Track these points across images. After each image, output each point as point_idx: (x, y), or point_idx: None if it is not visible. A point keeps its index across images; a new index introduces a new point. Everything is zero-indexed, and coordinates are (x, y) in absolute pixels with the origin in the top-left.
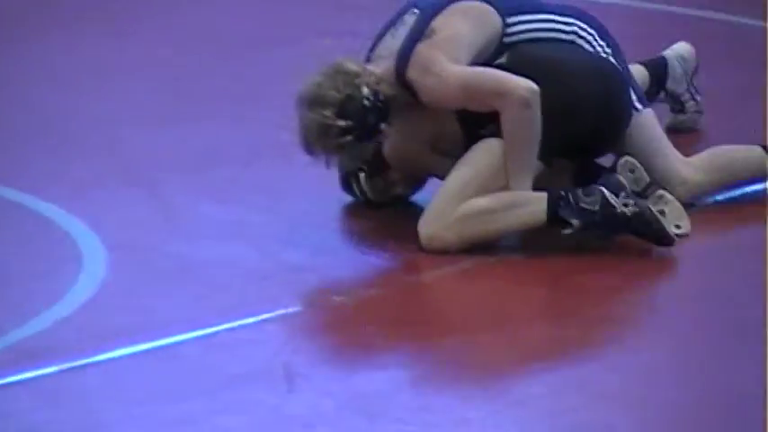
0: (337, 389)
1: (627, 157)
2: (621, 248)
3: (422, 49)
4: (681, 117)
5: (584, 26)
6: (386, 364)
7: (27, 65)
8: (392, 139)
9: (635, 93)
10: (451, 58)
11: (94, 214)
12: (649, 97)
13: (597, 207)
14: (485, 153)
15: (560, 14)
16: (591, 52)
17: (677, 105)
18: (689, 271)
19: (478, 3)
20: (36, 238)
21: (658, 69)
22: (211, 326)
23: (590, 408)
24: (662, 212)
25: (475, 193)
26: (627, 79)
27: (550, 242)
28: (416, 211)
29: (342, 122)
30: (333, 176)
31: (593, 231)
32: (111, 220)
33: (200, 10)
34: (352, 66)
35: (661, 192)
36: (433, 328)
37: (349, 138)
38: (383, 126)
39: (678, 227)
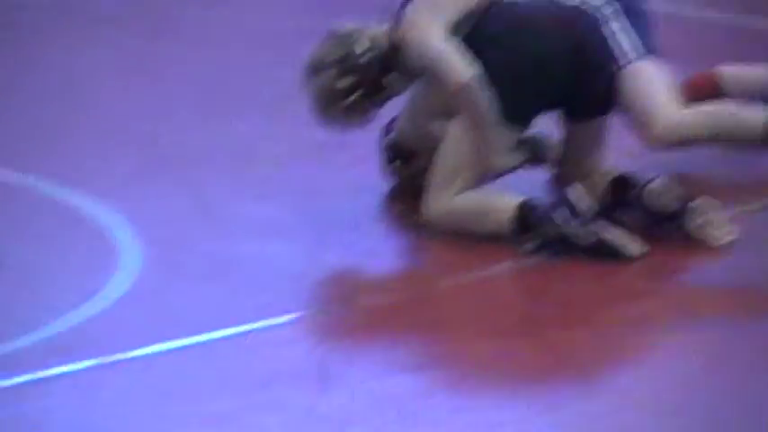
0: (371, 389)
1: (653, 181)
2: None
3: (408, 9)
4: None
5: None
6: (420, 366)
7: (70, 60)
8: (401, 122)
9: (628, 43)
10: (434, 17)
11: (132, 210)
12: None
13: (560, 221)
14: (462, 132)
15: None
16: (569, 7)
17: None
18: (722, 272)
19: None
20: (73, 232)
21: None
22: (246, 324)
23: (622, 413)
24: (706, 224)
25: (464, 172)
26: (610, 31)
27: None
28: None
29: (344, 81)
30: (370, 176)
31: (550, 247)
32: (148, 216)
33: (236, 7)
34: (346, 26)
35: (695, 203)
36: (467, 330)
37: (355, 96)
38: (387, 80)
39: (728, 233)
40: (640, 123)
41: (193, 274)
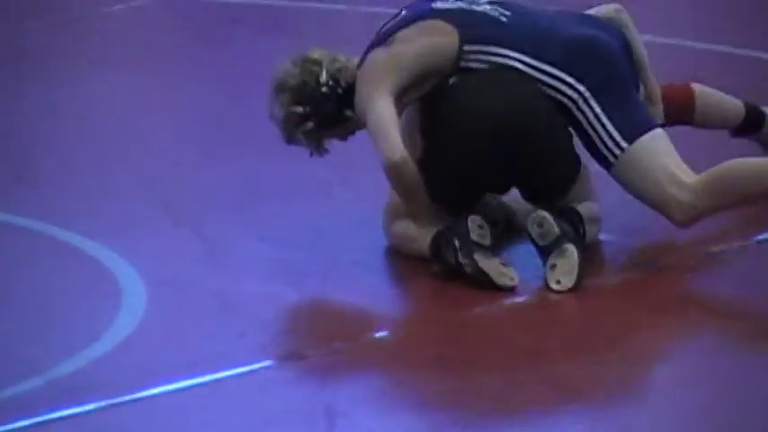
0: (376, 429)
1: (538, 212)
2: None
3: (373, 56)
4: None
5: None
6: (427, 405)
7: (72, 101)
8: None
9: (617, 133)
10: (388, 77)
11: (135, 251)
12: (738, 133)
13: (454, 249)
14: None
15: (517, 49)
16: (525, 92)
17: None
18: (726, 303)
19: (445, 25)
20: (76, 274)
21: (756, 118)
22: (252, 363)
23: None
24: (553, 266)
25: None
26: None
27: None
28: None
29: (299, 109)
30: (374, 212)
31: (450, 272)
32: (151, 256)
33: (237, 47)
34: (316, 53)
35: (566, 246)
36: (474, 366)
37: (310, 124)
38: (349, 113)
39: (558, 282)
40: (658, 210)
41: (198, 314)
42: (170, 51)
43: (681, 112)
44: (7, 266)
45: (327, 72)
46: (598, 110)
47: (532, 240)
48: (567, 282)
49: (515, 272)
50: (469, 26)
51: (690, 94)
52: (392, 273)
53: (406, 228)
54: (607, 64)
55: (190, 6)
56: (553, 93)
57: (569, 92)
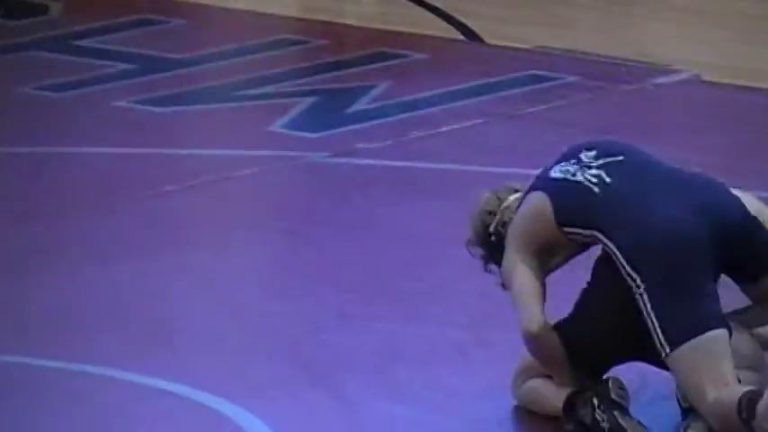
0: None
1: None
2: None
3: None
4: None
5: None
6: None
7: (209, 263)
8: None
9: (662, 334)
10: (519, 240)
11: (272, 412)
12: None
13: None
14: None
15: (599, 228)
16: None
17: None
18: None
19: (545, 198)
20: None
21: None
22: None
23: None
24: (686, 428)
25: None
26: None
27: None
28: None
29: (477, 249)
30: (511, 375)
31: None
32: (288, 418)
33: (372, 208)
34: (495, 201)
35: None
36: None
37: (488, 262)
38: None
39: None
40: None
41: None
42: (305, 213)
43: None
44: (144, 429)
45: (497, 223)
46: (648, 307)
47: (678, 400)
48: None
49: None
50: (563, 202)
51: None
52: (527, 431)
53: (540, 386)
54: (681, 254)
55: (323, 168)
56: (624, 276)
57: (629, 281)
